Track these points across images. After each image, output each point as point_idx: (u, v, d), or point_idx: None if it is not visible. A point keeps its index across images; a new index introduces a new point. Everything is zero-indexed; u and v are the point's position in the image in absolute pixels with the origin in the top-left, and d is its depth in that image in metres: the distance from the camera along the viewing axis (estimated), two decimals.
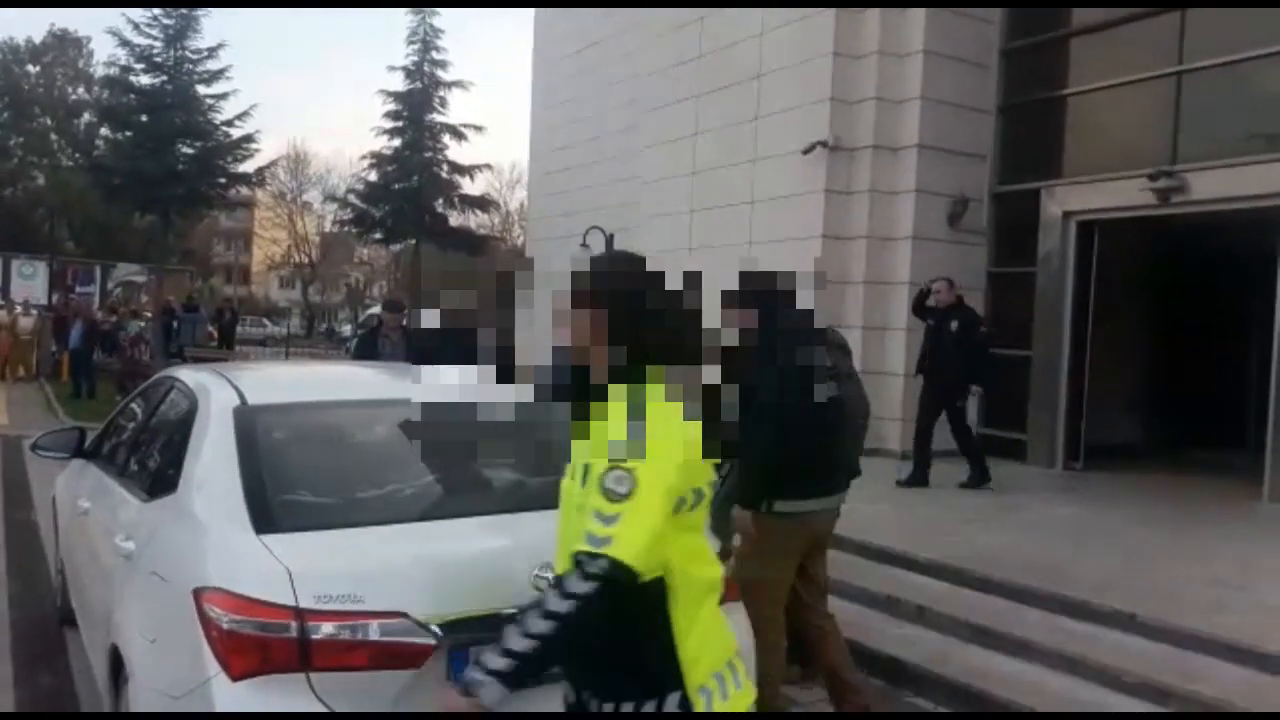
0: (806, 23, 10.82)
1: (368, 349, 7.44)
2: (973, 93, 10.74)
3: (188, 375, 3.78)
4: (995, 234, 10.95)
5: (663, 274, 2.05)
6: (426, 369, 3.60)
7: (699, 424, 1.91)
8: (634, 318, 1.94)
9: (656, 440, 1.83)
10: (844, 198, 10.55)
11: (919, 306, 8.60)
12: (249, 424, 3.06)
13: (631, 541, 1.77)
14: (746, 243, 11.37)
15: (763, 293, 3.72)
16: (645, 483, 1.80)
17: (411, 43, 32.71)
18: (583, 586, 1.77)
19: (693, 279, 2.08)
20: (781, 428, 3.47)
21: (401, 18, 34.97)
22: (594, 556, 1.77)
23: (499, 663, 1.79)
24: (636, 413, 1.86)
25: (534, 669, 1.81)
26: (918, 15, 10.40)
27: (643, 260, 2.13)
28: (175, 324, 23.48)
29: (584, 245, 14.68)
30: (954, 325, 8.21)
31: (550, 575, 2.60)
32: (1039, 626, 4.95)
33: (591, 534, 1.79)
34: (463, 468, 3.45)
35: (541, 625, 1.78)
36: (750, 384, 3.53)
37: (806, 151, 10.51)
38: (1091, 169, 9.95)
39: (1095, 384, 9.96)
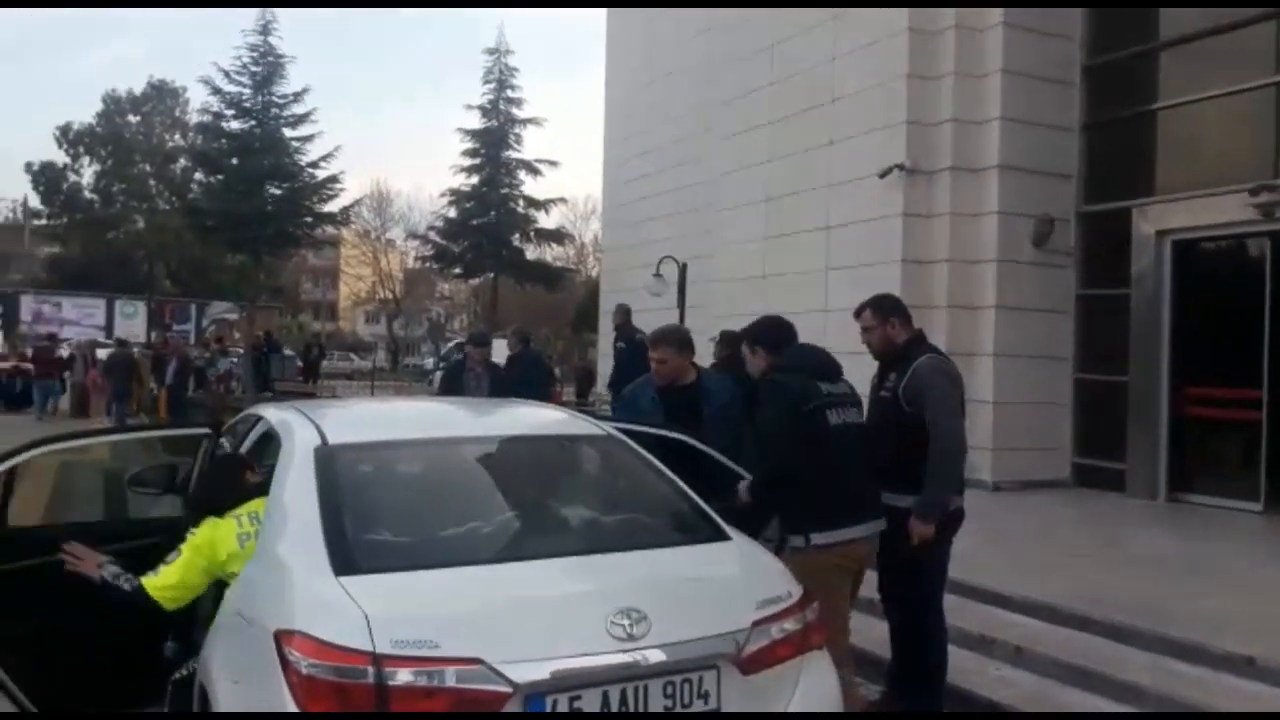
0: (880, 46, 10.68)
1: (454, 383, 7.48)
2: (1055, 111, 10.44)
3: (272, 413, 3.82)
4: (1083, 255, 10.58)
5: None
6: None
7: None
8: None
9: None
10: (924, 221, 10.34)
11: None
12: (330, 463, 3.08)
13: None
14: (823, 269, 11.24)
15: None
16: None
17: (487, 81, 33.49)
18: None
19: None
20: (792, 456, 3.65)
21: (477, 57, 35.75)
22: None
23: None
24: None
25: None
26: (994, 35, 10.19)
27: None
28: (266, 359, 24.26)
29: (657, 275, 14.67)
30: None
31: (626, 621, 2.55)
32: (1146, 669, 4.68)
33: None
34: (541, 505, 3.43)
35: None
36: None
37: (883, 175, 10.34)
38: (1185, 186, 9.55)
39: (1198, 411, 9.49)
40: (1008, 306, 10.12)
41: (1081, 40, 10.59)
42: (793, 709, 2.79)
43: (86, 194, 45.25)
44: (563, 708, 2.47)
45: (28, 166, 44.60)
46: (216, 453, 4.44)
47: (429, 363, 40.53)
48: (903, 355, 4.21)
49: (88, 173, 45.59)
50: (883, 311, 4.31)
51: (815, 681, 2.89)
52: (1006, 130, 10.11)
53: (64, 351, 21.45)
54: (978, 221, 10.24)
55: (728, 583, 2.96)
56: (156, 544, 3.91)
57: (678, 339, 4.72)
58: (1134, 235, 9.79)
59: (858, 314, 4.40)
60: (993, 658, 5.10)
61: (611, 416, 4.51)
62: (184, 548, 3.19)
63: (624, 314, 11.02)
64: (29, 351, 23.90)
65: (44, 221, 47.50)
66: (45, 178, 44.60)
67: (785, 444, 3.69)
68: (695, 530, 3.18)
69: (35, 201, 46.99)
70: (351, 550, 2.72)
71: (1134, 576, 6.19)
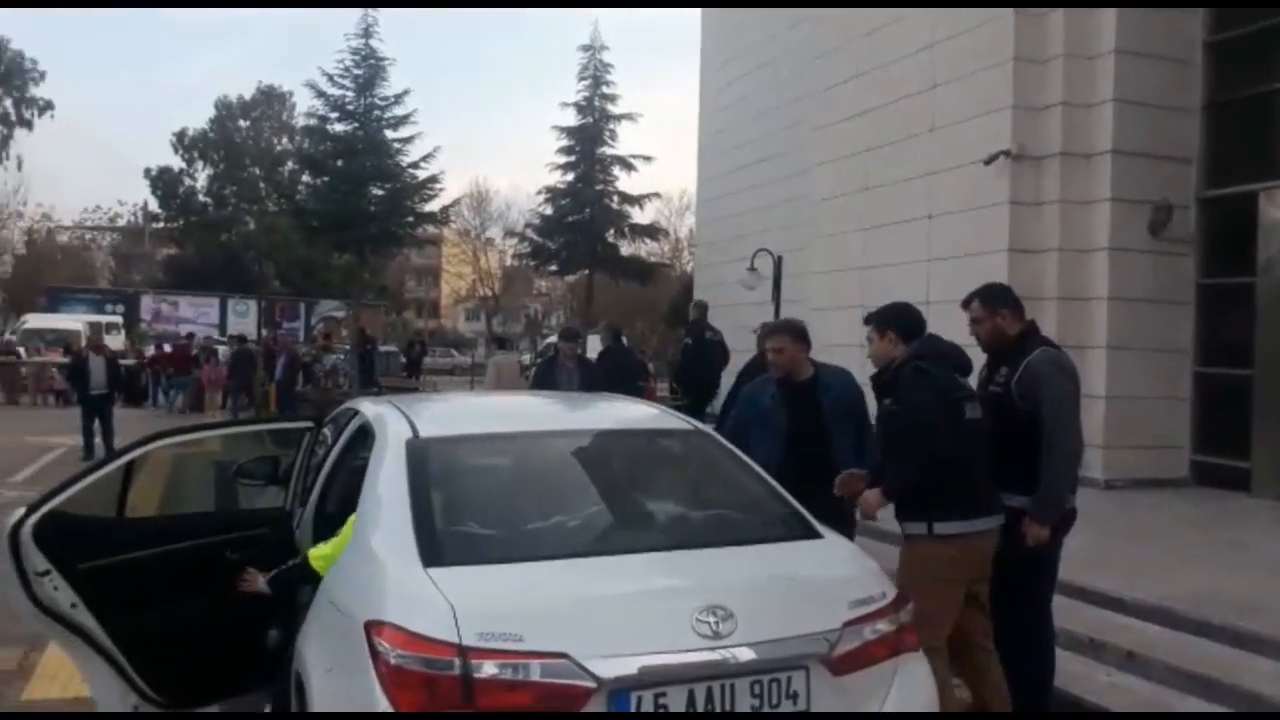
0: (983, 30, 10.33)
1: (546, 378, 7.60)
2: (1173, 91, 9.91)
3: (368, 407, 3.87)
4: (1204, 242, 10.03)
5: None
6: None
7: None
8: None
9: None
10: (1032, 209, 9.95)
11: None
12: (421, 457, 3.11)
13: None
14: (925, 260, 10.93)
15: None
16: None
17: (582, 78, 33.62)
18: None
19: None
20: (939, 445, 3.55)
21: (573, 54, 36.09)
22: None
23: None
24: None
25: None
26: (1107, 13, 9.73)
27: None
28: (371, 356, 25.03)
29: (751, 269, 14.53)
30: None
31: (713, 619, 2.49)
32: (1270, 677, 4.39)
33: None
34: (628, 500, 3.40)
35: None
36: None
37: (988, 162, 9.99)
38: None
39: None
40: (1122, 297, 9.67)
41: (1204, 16, 10.03)
42: (886, 711, 2.69)
43: (201, 197, 47.21)
44: (648, 705, 2.43)
45: (146, 172, 46.81)
46: (317, 445, 4.57)
47: (526, 359, 41.18)
48: (1015, 348, 4.02)
49: (202, 176, 47.57)
50: (992, 302, 4.12)
51: (910, 683, 2.79)
52: (1120, 113, 9.65)
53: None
54: (1089, 209, 9.81)
55: (819, 582, 2.88)
56: (263, 534, 4.05)
57: (792, 329, 4.65)
58: (1261, 220, 9.23)
59: (966, 304, 4.22)
60: (1103, 663, 4.87)
61: (688, 412, 4.46)
62: (346, 524, 3.28)
63: (700, 310, 10.78)
64: (144, 349, 25.25)
65: (162, 224, 49.82)
66: (163, 182, 46.72)
67: (945, 434, 3.56)
68: (786, 528, 3.11)
69: (154, 205, 49.39)
70: (440, 542, 2.74)
71: (1258, 580, 5.83)
